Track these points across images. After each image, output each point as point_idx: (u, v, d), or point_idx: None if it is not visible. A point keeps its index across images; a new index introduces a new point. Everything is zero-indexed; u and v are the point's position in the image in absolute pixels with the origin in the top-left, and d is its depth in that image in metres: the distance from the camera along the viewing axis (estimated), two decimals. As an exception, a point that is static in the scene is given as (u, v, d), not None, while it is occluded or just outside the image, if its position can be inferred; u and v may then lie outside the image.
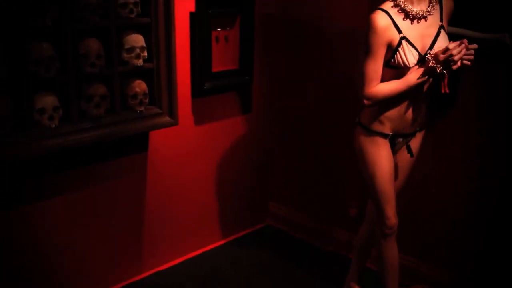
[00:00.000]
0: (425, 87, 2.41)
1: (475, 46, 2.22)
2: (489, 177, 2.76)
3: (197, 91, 3.21)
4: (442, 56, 2.22)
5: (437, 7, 2.36)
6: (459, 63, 2.21)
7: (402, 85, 2.34)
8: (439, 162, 2.91)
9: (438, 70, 2.25)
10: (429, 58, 2.30)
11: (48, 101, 2.47)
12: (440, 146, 2.89)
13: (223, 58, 3.31)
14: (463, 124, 2.79)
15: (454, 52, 2.19)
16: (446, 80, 2.28)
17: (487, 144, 2.73)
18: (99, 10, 2.52)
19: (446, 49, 2.22)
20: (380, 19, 2.30)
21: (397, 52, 2.32)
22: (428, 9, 2.33)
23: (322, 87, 3.41)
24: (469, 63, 2.23)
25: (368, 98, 2.39)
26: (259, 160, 3.79)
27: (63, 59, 2.49)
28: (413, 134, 2.54)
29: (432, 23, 2.34)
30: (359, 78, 2.40)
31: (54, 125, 2.49)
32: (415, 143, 2.58)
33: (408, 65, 2.32)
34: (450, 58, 2.20)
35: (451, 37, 2.59)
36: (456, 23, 2.57)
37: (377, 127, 2.49)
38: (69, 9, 2.45)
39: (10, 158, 2.41)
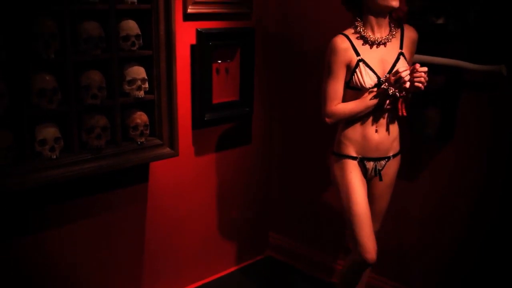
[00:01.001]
0: (385, 110, 2.49)
1: (425, 69, 2.32)
2: (485, 209, 2.76)
3: (197, 122, 3.23)
4: (392, 78, 2.36)
5: (397, 35, 2.50)
6: (407, 85, 2.32)
7: (360, 105, 2.47)
8: (438, 192, 2.92)
9: (390, 92, 2.37)
10: (383, 80, 2.43)
11: (50, 132, 2.49)
12: (439, 176, 2.89)
13: (223, 90, 3.34)
14: (462, 155, 2.80)
15: (403, 74, 2.31)
16: (401, 103, 2.41)
17: (485, 175, 2.73)
18: (101, 43, 2.56)
19: (396, 72, 2.34)
20: (340, 42, 2.47)
21: (355, 74, 2.45)
22: (387, 36, 2.47)
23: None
24: (420, 85, 2.33)
25: (329, 116, 2.54)
26: (259, 190, 3.79)
27: (65, 90, 2.52)
28: (384, 159, 2.58)
29: (391, 50, 2.48)
30: (322, 98, 2.56)
31: (55, 156, 2.51)
32: (390, 169, 2.62)
33: (364, 86, 2.44)
34: (400, 81, 2.32)
35: (449, 68, 2.64)
36: (453, 54, 2.61)
37: (344, 150, 2.59)
38: (72, 42, 2.49)
39: (10, 189, 2.41)
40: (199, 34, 3.07)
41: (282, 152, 3.74)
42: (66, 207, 2.77)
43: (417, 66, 2.32)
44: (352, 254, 2.64)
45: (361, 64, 2.44)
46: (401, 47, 2.48)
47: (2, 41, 2.28)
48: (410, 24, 2.53)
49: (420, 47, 2.70)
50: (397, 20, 2.49)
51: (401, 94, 2.37)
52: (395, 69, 2.40)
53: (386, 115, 2.51)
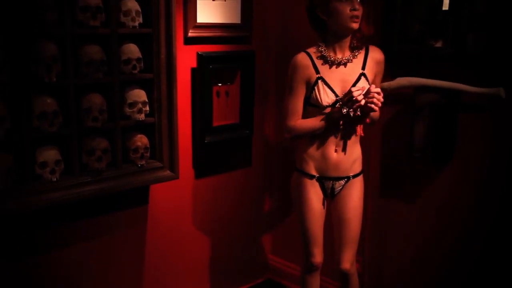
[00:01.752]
0: (344, 130, 2.52)
1: (377, 90, 2.34)
2: (484, 228, 2.75)
3: (198, 145, 3.24)
4: (345, 98, 2.40)
5: (360, 56, 2.53)
6: (362, 102, 2.34)
7: (317, 123, 2.52)
8: (439, 212, 2.91)
9: (343, 111, 2.40)
10: (338, 99, 2.47)
11: (50, 155, 2.50)
12: (438, 197, 2.89)
13: (223, 112, 3.36)
14: (461, 175, 2.80)
15: (355, 94, 2.34)
16: (358, 124, 2.46)
17: (484, 195, 2.73)
18: (102, 67, 2.58)
19: (349, 91, 2.38)
20: (301, 59, 2.56)
21: (314, 91, 2.51)
22: (348, 57, 2.51)
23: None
24: (373, 106, 2.35)
25: (288, 131, 2.64)
26: (259, 213, 3.79)
27: (66, 113, 2.53)
28: (343, 179, 2.61)
29: (353, 70, 2.52)
30: (282, 113, 2.66)
31: (55, 179, 2.51)
32: (353, 190, 2.63)
33: (321, 103, 2.49)
34: (352, 100, 2.35)
35: (448, 91, 2.65)
36: (451, 77, 2.63)
37: (304, 167, 2.65)
38: (73, 65, 2.51)
39: (10, 211, 2.41)
40: (200, 57, 3.10)
41: (282, 174, 3.73)
42: (66, 230, 2.77)
43: (371, 87, 2.36)
44: (303, 260, 2.82)
45: (319, 81, 2.50)
46: (363, 68, 2.52)
47: (4, 64, 2.30)
48: (407, 47, 2.57)
49: (419, 70, 2.73)
50: (359, 41, 2.52)
51: (355, 114, 2.39)
52: (349, 89, 2.44)
53: (345, 135, 2.54)
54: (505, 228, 2.66)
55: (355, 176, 2.64)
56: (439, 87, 2.67)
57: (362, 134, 2.50)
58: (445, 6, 2.67)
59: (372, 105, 2.35)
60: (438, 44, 2.71)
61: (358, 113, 2.39)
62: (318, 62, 2.53)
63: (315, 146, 2.60)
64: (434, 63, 2.73)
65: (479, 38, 2.55)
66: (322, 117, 2.52)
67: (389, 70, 2.70)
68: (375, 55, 2.55)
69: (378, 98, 2.35)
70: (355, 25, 2.41)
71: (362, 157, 2.68)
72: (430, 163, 2.84)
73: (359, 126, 2.48)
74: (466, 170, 2.77)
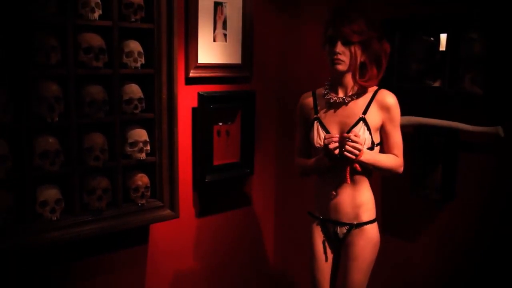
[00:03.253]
0: (337, 172, 2.41)
1: (353, 138, 2.26)
2: (486, 269, 2.73)
3: (198, 184, 3.25)
4: (323, 143, 2.35)
5: (365, 100, 2.40)
6: (336, 151, 2.28)
7: (312, 163, 2.50)
8: (439, 251, 2.89)
9: (329, 157, 2.35)
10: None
11: (51, 194, 2.50)
12: (440, 237, 2.88)
13: (224, 152, 3.38)
14: (463, 214, 2.79)
15: (326, 141, 2.30)
16: (347, 169, 2.36)
17: (486, 234, 2.72)
18: (104, 107, 2.61)
19: (326, 138, 2.32)
20: (303, 98, 2.59)
21: (310, 131, 2.49)
22: (346, 98, 2.42)
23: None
24: (349, 154, 2.27)
25: (295, 166, 2.64)
26: (260, 252, 3.76)
27: (68, 152, 2.55)
28: (345, 225, 2.47)
29: (354, 113, 2.40)
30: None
31: (55, 218, 2.51)
32: (357, 240, 2.46)
33: (314, 144, 2.47)
34: (328, 147, 2.29)
35: (447, 130, 2.66)
36: (450, 116, 2.65)
37: (312, 207, 2.62)
38: (76, 105, 2.54)
39: (10, 250, 2.40)
40: (201, 97, 3.14)
41: (284, 212, 3.72)
42: (66, 269, 2.75)
43: (350, 134, 2.27)
44: None
45: (315, 122, 2.47)
46: (364, 112, 2.39)
47: (7, 104, 2.33)
48: (406, 86, 2.54)
49: (418, 109, 2.76)
50: (357, 83, 2.41)
51: (332, 160, 2.33)
52: (329, 135, 2.35)
53: (343, 178, 2.41)
54: (507, 268, 2.64)
55: (360, 225, 2.46)
56: (439, 126, 2.70)
57: (348, 182, 2.38)
58: (442, 47, 2.71)
59: (349, 154, 2.26)
60: (437, 84, 2.74)
61: (335, 159, 2.32)
62: (322, 102, 2.49)
63: (319, 186, 2.55)
64: (433, 102, 2.76)
65: (476, 78, 2.58)
66: (317, 158, 2.47)
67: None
68: (382, 100, 2.39)
69: (354, 146, 2.25)
70: (339, 67, 2.36)
71: (373, 206, 2.51)
72: (430, 203, 2.83)
73: (347, 172, 2.36)
74: (466, 209, 2.76)
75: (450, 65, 2.63)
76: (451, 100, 2.68)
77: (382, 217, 3.08)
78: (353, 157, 2.27)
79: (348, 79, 2.43)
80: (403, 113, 2.76)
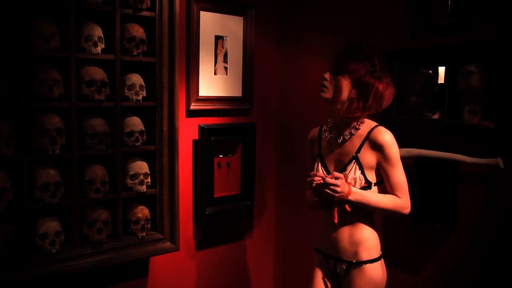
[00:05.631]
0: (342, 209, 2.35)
1: (331, 181, 2.23)
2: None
3: (199, 216, 3.24)
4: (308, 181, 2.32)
5: (360, 138, 2.35)
6: (326, 191, 2.25)
7: (310, 198, 2.46)
8: (441, 282, 2.87)
9: (314, 195, 2.33)
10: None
11: (51, 226, 2.50)
12: (441, 268, 2.86)
13: (224, 184, 3.38)
14: (464, 245, 2.78)
15: (309, 179, 2.29)
16: (335, 209, 2.32)
17: (488, 264, 2.70)
18: (106, 139, 2.63)
19: (311, 175, 2.31)
20: (311, 133, 2.59)
21: (313, 166, 2.49)
22: (340, 137, 2.39)
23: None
24: (327, 195, 2.25)
25: (306, 199, 2.57)
26: (260, 286, 3.72)
27: (68, 184, 2.55)
28: (344, 262, 2.39)
29: (348, 151, 2.37)
30: None
31: (54, 250, 2.50)
32: (356, 279, 2.36)
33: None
34: (311, 185, 2.28)
35: (445, 162, 2.67)
36: (450, 147, 2.66)
37: (313, 241, 2.58)
38: (77, 137, 2.56)
39: (9, 283, 2.38)
40: (202, 129, 3.15)
41: (284, 246, 3.70)
42: (63, 303, 2.72)
43: (330, 176, 2.27)
44: None
45: (317, 158, 2.47)
46: (357, 151, 2.34)
47: (10, 137, 2.35)
48: (405, 117, 2.52)
49: (418, 141, 2.77)
50: (344, 116, 2.37)
51: (316, 198, 2.33)
52: (345, 173, 2.33)
53: (344, 215, 2.36)
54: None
55: (358, 263, 2.35)
56: (438, 158, 2.70)
57: (336, 221, 2.34)
58: (441, 79, 2.74)
59: (326, 195, 2.25)
60: (436, 116, 2.76)
61: (319, 197, 2.31)
62: (324, 138, 2.48)
63: (321, 221, 2.51)
64: (433, 134, 2.77)
65: (475, 110, 2.59)
66: (310, 193, 2.43)
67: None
68: (374, 138, 2.31)
69: (331, 189, 2.23)
70: (321, 94, 2.38)
71: (376, 244, 2.41)
72: (431, 233, 2.82)
73: (335, 211, 2.33)
74: (468, 240, 2.75)
75: (449, 97, 2.65)
76: (451, 132, 2.70)
77: (384, 249, 3.06)
78: (335, 196, 2.24)
79: (344, 116, 2.39)
80: (403, 145, 2.78)
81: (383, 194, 2.35)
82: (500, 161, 2.53)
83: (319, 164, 2.45)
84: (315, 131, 2.57)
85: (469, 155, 2.63)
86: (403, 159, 2.76)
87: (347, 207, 2.30)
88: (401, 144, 2.78)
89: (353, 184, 2.31)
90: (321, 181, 2.26)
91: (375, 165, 2.34)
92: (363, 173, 2.33)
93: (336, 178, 2.27)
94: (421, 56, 2.80)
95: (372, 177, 2.34)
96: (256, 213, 3.62)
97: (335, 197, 2.25)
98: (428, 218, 2.80)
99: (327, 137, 2.46)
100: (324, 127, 2.52)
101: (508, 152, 2.54)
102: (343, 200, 2.27)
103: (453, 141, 2.70)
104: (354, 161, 2.33)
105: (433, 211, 2.79)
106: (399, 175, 2.33)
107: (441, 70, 2.75)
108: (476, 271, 2.74)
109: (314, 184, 2.27)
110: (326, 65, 2.49)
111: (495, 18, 2.55)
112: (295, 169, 3.59)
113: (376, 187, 2.36)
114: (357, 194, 2.28)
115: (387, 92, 2.34)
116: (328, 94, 2.37)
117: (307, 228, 3.53)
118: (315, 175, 2.29)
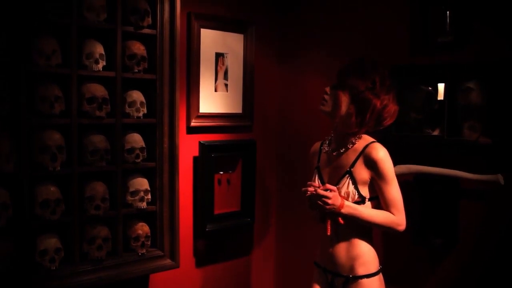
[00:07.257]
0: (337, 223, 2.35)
1: (322, 192, 2.26)
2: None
3: (199, 233, 3.23)
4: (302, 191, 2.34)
5: (355, 153, 2.36)
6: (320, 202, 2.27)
7: (309, 209, 2.43)
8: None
9: (308, 205, 2.34)
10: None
11: (51, 243, 2.49)
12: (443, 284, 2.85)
13: (225, 200, 3.37)
14: (466, 261, 2.77)
15: (304, 189, 2.31)
16: (329, 221, 2.33)
17: (491, 279, 2.69)
18: (106, 156, 2.63)
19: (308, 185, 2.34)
20: (313, 147, 2.61)
21: (312, 178, 2.49)
22: (336, 150, 2.41)
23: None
24: (319, 207, 2.28)
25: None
26: (261, 304, 3.71)
27: (69, 201, 2.55)
28: (341, 277, 2.38)
29: (343, 165, 2.37)
30: None
31: (54, 267, 2.48)
32: None
33: None
34: (306, 195, 2.31)
35: (445, 178, 2.67)
36: (450, 164, 2.67)
37: (314, 256, 2.56)
38: (78, 154, 2.56)
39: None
40: (202, 146, 3.16)
41: (284, 262, 3.69)
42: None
43: (322, 187, 2.29)
44: None
45: (315, 171, 2.50)
46: (351, 166, 2.34)
47: (9, 153, 2.35)
48: (405, 134, 2.53)
49: (417, 158, 2.77)
50: (340, 132, 2.40)
51: (312, 209, 2.34)
52: (338, 186, 2.34)
53: (340, 229, 2.36)
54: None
55: (355, 278, 2.34)
56: (438, 174, 2.71)
57: (329, 234, 2.34)
58: (440, 96, 2.75)
59: (318, 205, 2.28)
60: (436, 132, 2.77)
61: (312, 209, 2.33)
62: (324, 150, 2.50)
63: (320, 235, 2.50)
64: (432, 150, 2.78)
65: (475, 126, 2.60)
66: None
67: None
68: (368, 154, 2.31)
69: (323, 201, 2.25)
70: (320, 106, 2.41)
71: (373, 259, 2.39)
72: (432, 250, 2.82)
73: (328, 223, 2.34)
74: (468, 257, 2.74)
75: (449, 114, 2.66)
76: (450, 148, 2.70)
77: (385, 266, 3.05)
78: (326, 208, 2.26)
79: (339, 128, 2.41)
80: (403, 161, 2.79)
81: (377, 210, 2.34)
82: (500, 178, 2.54)
83: (316, 176, 2.47)
84: (317, 145, 2.59)
85: (469, 171, 2.63)
86: (404, 175, 2.77)
87: (340, 220, 2.30)
88: (401, 161, 2.79)
89: (346, 198, 2.32)
90: (314, 192, 2.29)
91: (369, 180, 2.34)
92: (356, 187, 2.33)
93: (329, 190, 2.29)
94: (421, 73, 2.82)
95: (365, 192, 2.35)
96: (256, 230, 3.61)
97: (326, 208, 2.27)
98: (429, 234, 2.79)
99: (326, 150, 2.49)
100: (326, 140, 2.54)
101: (508, 168, 2.54)
102: (336, 213, 2.28)
103: (454, 157, 2.70)
104: (347, 175, 2.34)
105: (434, 227, 2.78)
106: (393, 191, 2.32)
107: (441, 86, 2.76)
108: (476, 287, 2.72)
109: (307, 194, 2.31)
110: (325, 82, 2.50)
111: (494, 35, 2.57)
112: (295, 186, 3.58)
113: (370, 202, 2.36)
114: (349, 207, 2.29)
115: (387, 110, 2.34)
116: (327, 108, 2.39)
117: (308, 245, 3.52)
118: (310, 185, 2.32)
